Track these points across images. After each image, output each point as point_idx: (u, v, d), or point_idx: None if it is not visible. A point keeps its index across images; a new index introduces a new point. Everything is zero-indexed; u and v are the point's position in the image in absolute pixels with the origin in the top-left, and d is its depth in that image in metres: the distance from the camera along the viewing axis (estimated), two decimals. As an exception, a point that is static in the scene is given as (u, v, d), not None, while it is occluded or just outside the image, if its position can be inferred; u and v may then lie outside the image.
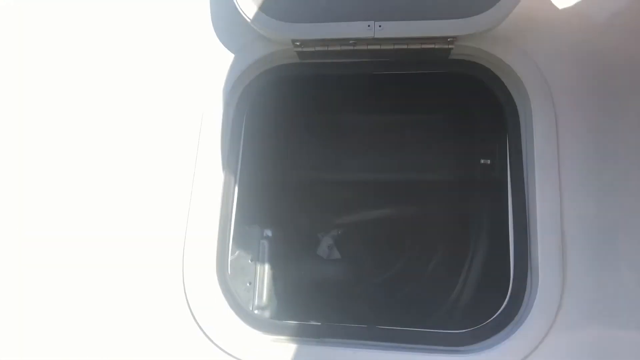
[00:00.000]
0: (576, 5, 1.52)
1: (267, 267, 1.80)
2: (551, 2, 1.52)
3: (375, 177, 2.10)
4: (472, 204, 1.94)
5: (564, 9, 1.52)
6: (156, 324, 1.47)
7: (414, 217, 2.07)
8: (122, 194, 1.54)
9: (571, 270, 1.33)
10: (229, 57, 1.58)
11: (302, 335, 1.43)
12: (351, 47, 1.49)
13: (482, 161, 1.92)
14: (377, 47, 1.49)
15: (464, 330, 1.39)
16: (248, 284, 1.75)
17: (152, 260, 1.49)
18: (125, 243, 1.51)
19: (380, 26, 1.41)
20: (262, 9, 1.45)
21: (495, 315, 1.37)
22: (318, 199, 2.16)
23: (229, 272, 1.53)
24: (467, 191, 2.00)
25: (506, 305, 1.37)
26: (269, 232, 1.85)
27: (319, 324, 1.46)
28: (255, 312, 1.74)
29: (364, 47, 1.49)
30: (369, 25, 1.41)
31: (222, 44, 1.60)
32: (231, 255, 1.73)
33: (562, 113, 1.44)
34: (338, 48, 1.50)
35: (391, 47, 1.48)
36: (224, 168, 1.54)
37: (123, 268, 1.50)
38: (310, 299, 1.90)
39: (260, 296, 1.76)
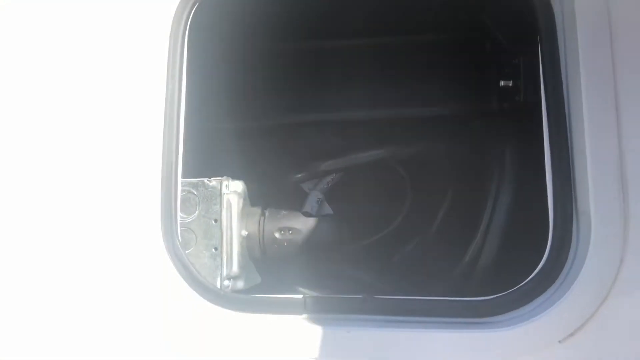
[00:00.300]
0: None
1: (236, 227, 1.45)
2: None
3: (367, 115, 1.72)
4: (491, 138, 1.56)
5: None
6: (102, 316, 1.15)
7: (417, 159, 1.70)
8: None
9: (636, 208, 0.98)
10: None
11: (283, 311, 1.11)
12: None
13: (501, 83, 1.54)
14: None
15: (489, 297, 1.05)
16: (214, 250, 1.41)
17: (78, 229, 1.15)
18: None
19: None
20: None
21: (532, 276, 1.03)
22: (298, 143, 1.80)
23: (179, 237, 1.19)
24: (483, 123, 1.62)
25: (546, 262, 1.03)
26: (237, 186, 1.49)
27: (302, 296, 1.13)
28: (226, 282, 1.41)
29: None
30: None
31: None
32: (187, 215, 1.39)
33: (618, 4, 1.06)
34: None
35: None
36: (163, 106, 1.17)
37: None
38: (294, 263, 1.57)
39: (230, 263, 1.42)
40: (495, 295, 1.04)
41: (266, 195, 1.66)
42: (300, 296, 1.12)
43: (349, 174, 1.80)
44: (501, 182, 1.42)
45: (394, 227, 1.70)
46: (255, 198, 1.61)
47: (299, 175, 1.71)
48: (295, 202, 1.67)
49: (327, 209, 1.88)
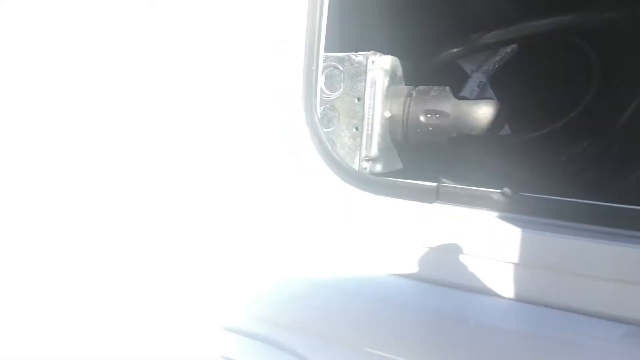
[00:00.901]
0: None
1: (379, 107, 1.35)
2: None
3: None
4: None
5: None
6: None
7: (612, 30, 1.32)
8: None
9: None
10: None
11: (412, 197, 1.04)
12: None
13: None
14: None
15: None
16: (355, 130, 1.35)
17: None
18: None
19: None
20: None
21: None
22: (457, 11, 1.53)
23: (319, 113, 1.15)
24: None
25: None
26: (385, 62, 1.36)
27: (436, 184, 1.02)
28: (364, 163, 1.36)
29: None
30: None
31: None
32: (331, 92, 1.33)
33: None
34: None
35: None
36: None
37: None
38: (439, 152, 1.43)
39: (370, 145, 1.35)
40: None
41: (418, 74, 1.50)
42: (434, 184, 1.02)
43: (520, 53, 1.51)
44: None
45: (569, 119, 1.42)
46: (406, 76, 1.47)
47: (456, 50, 1.48)
48: (449, 81, 1.47)
49: (490, 95, 1.64)
